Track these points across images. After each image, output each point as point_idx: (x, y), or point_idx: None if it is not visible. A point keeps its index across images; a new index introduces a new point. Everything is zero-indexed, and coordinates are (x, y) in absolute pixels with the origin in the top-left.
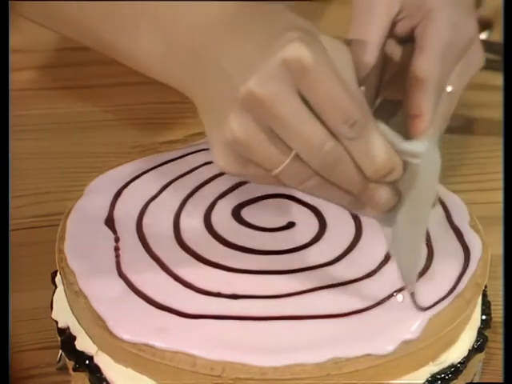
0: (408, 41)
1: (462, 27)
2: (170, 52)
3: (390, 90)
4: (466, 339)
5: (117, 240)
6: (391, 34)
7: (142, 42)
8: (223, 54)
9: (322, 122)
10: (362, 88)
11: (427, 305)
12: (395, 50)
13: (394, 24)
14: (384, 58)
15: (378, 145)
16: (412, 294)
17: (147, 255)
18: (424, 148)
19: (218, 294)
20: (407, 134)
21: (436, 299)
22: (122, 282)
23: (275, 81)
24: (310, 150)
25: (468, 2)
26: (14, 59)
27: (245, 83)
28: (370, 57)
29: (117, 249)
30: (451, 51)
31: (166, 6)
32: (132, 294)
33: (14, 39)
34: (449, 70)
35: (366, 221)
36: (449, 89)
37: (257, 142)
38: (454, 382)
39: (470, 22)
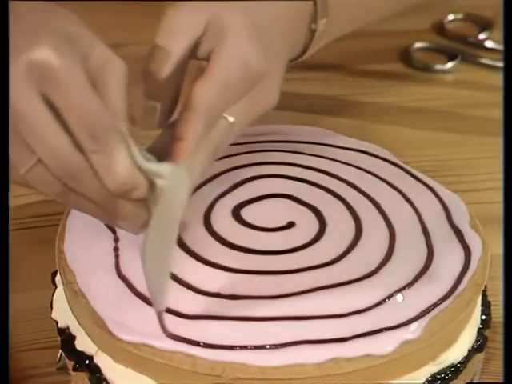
0: None
1: (252, 62)
2: None
3: None
4: (466, 339)
5: (116, 240)
6: (194, 54)
7: None
8: None
9: (68, 131)
10: (158, 104)
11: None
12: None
13: (197, 45)
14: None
15: (120, 161)
16: (159, 313)
17: None
18: (169, 171)
19: (218, 295)
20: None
21: (436, 299)
22: (121, 282)
23: (20, 84)
24: (50, 158)
25: (275, 40)
26: None
27: None
28: (164, 70)
29: (116, 249)
30: (234, 83)
31: None
32: (131, 294)
33: None
34: (228, 101)
35: (366, 221)
36: (230, 119)
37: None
38: (454, 381)
39: (261, 59)
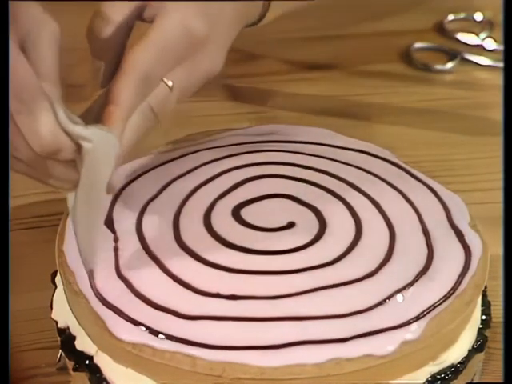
0: None
1: (192, 26)
2: None
3: None
4: (466, 339)
5: (116, 240)
6: (141, 17)
7: None
8: None
9: None
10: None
11: None
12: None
13: (141, 8)
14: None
15: (44, 123)
16: (89, 273)
17: (146, 255)
18: (95, 134)
19: (217, 295)
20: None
21: (436, 299)
22: (121, 282)
23: None
24: None
25: (221, 6)
26: None
27: None
28: (104, 32)
29: (116, 249)
30: (172, 47)
31: None
32: (131, 294)
33: None
34: (165, 65)
35: (366, 221)
36: (169, 83)
37: None
38: (454, 382)
39: (202, 23)
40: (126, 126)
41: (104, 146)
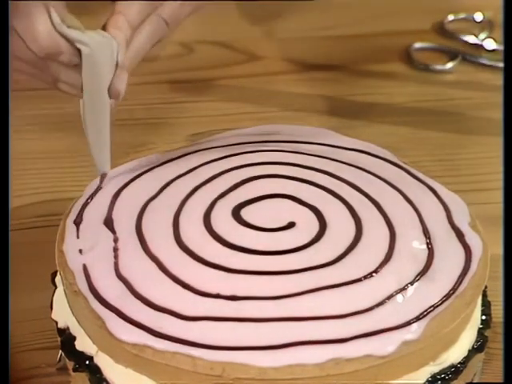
0: None
1: None
2: None
3: None
4: (467, 339)
5: (116, 240)
6: None
7: None
8: None
9: None
10: None
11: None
12: None
13: None
14: None
15: (39, 26)
16: (103, 176)
17: (146, 256)
18: (94, 38)
19: (218, 296)
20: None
21: (437, 299)
22: (120, 283)
23: None
24: None
25: None
26: None
27: None
28: None
29: (116, 249)
30: None
31: None
32: (130, 295)
33: None
34: None
35: (366, 221)
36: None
37: None
38: (454, 382)
39: None
40: (137, 34)
41: (103, 51)
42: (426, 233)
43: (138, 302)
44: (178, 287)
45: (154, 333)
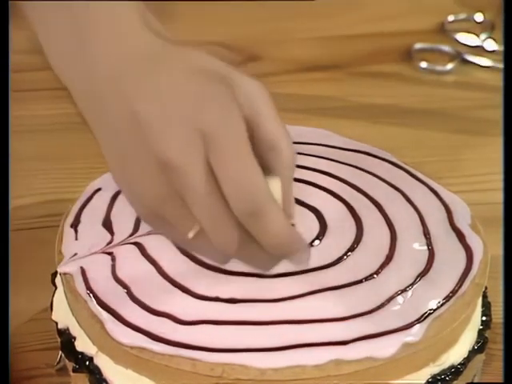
0: None
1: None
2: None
3: None
4: (467, 340)
5: (114, 242)
6: None
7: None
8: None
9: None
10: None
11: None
12: None
13: None
14: None
15: (277, 223)
16: None
17: (144, 258)
18: None
19: (216, 299)
20: None
21: (438, 301)
22: (119, 286)
23: (191, 149)
24: (211, 229)
25: None
26: (15, 60)
27: (164, 149)
28: None
29: (114, 251)
30: None
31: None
32: (129, 299)
33: (16, 40)
34: None
35: (366, 222)
36: None
37: (170, 207)
38: (455, 382)
39: None
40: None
41: None
42: (426, 234)
43: (137, 307)
44: (177, 291)
45: (153, 337)
